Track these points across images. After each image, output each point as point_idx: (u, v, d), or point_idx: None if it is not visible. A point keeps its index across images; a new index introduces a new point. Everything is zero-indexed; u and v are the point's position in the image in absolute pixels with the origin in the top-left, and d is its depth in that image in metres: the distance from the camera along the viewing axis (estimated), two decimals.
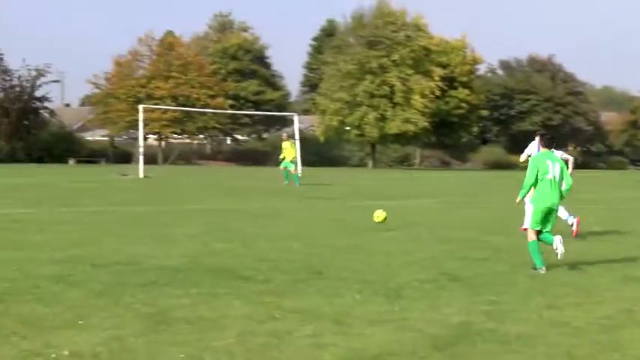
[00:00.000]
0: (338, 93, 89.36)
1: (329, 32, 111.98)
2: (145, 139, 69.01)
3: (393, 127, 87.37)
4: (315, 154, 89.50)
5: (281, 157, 41.93)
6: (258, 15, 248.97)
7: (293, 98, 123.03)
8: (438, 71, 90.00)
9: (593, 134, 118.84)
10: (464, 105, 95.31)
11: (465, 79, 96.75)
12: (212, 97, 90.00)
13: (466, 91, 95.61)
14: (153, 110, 79.75)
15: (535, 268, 13.04)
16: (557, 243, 13.20)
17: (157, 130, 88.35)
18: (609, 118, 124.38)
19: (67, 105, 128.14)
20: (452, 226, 20.41)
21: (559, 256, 13.17)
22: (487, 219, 22.71)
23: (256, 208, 25.61)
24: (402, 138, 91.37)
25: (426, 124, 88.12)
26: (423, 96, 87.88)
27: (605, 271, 13.33)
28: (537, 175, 13.38)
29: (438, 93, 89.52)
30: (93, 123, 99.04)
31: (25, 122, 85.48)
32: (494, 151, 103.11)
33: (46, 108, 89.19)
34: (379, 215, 19.23)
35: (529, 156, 17.59)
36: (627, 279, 12.60)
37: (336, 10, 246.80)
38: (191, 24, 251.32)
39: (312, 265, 13.12)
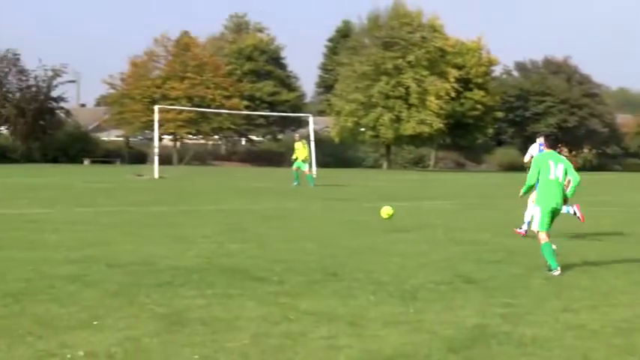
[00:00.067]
0: (353, 94, 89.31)
1: (344, 33, 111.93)
2: (160, 139, 69.12)
3: (408, 128, 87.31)
4: (330, 155, 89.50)
5: (293, 157, 41.97)
6: (273, 16, 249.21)
7: (308, 99, 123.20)
8: (454, 72, 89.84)
9: (608, 136, 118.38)
10: (479, 106, 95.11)
11: (480, 80, 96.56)
12: (227, 97, 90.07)
13: (481, 93, 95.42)
14: (168, 111, 79.87)
15: (550, 270, 13.01)
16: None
17: (172, 131, 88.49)
18: (625, 120, 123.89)
19: (83, 105, 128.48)
20: (467, 227, 20.37)
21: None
22: (502, 221, 22.63)
23: (271, 209, 25.61)
24: (416, 139, 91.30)
25: (441, 125, 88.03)
26: (439, 97, 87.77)
27: (620, 273, 13.27)
28: (539, 175, 13.52)
29: (453, 94, 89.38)
30: (108, 123, 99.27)
31: (41, 122, 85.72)
32: (509, 153, 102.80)
33: (61, 108, 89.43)
34: (386, 211, 19.25)
35: (532, 157, 17.82)
36: None
37: (352, 11, 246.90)
38: (207, 25, 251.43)
39: (326, 267, 13.11)
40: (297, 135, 44.76)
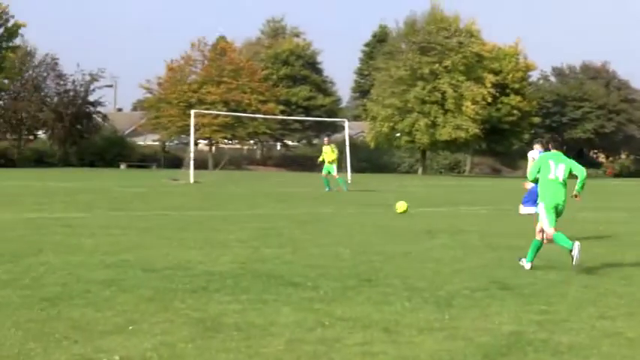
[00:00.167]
0: (389, 99, 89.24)
1: (381, 38, 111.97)
2: (196, 144, 69.50)
3: (444, 133, 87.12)
4: (365, 160, 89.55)
5: (320, 159, 41.95)
6: (310, 20, 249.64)
7: (344, 104, 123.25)
8: (490, 78, 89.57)
9: None
10: (515, 112, 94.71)
11: (517, 85, 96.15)
12: (263, 102, 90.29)
13: (518, 98, 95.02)
14: (204, 115, 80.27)
15: (525, 260, 14.00)
16: (576, 253, 13.53)
17: (207, 135, 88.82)
18: None
19: (120, 110, 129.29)
20: (502, 233, 20.25)
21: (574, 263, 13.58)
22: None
23: (305, 214, 25.61)
24: (452, 145, 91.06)
25: (477, 130, 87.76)
26: (475, 102, 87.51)
27: None
28: (539, 174, 14.05)
29: (489, 100, 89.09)
30: (144, 128, 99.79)
31: (79, 127, 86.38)
32: None
33: (99, 112, 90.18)
34: (401, 207, 19.37)
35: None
36: None
37: (389, 15, 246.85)
38: (244, 29, 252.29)
39: (361, 272, 13.08)
40: (327, 139, 44.80)
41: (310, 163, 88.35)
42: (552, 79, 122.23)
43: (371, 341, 8.50)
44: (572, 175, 14.20)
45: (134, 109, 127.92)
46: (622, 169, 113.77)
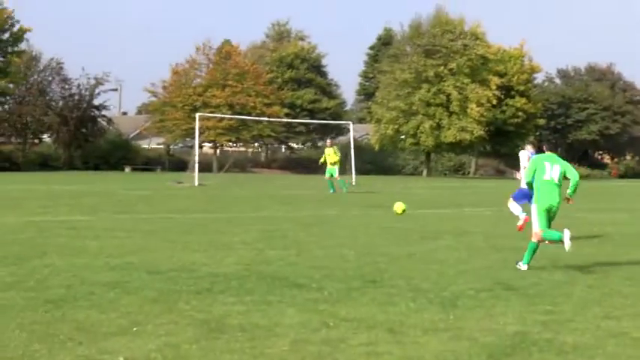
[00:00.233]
0: (394, 102, 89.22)
1: (385, 41, 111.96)
2: (201, 147, 69.57)
3: (449, 135, 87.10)
4: (370, 162, 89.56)
5: (321, 160, 42.04)
6: (315, 24, 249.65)
7: (348, 107, 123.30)
8: (495, 80, 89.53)
9: None
10: (520, 114, 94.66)
11: (522, 87, 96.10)
12: (268, 105, 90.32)
13: (523, 100, 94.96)
14: (209, 118, 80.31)
15: (522, 263, 14.08)
16: (566, 237, 13.74)
17: (212, 139, 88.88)
18: None
19: (125, 113, 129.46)
20: (507, 234, 20.22)
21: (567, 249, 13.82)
22: None
23: (310, 216, 25.61)
24: (457, 147, 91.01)
25: (481, 132, 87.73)
26: (480, 105, 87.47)
27: None
28: (535, 175, 14.18)
29: (494, 102, 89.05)
30: (149, 131, 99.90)
31: (83, 130, 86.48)
32: None
33: (103, 116, 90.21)
34: (400, 207, 19.45)
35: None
36: None
37: (394, 18, 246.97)
38: (248, 33, 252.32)
39: (365, 274, 13.08)
40: (329, 141, 44.89)
41: (315, 166, 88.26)
42: (557, 81, 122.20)
43: (375, 342, 8.50)
44: (565, 178, 14.29)
45: (139, 112, 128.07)
46: (627, 170, 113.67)
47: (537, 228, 14.13)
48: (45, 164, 79.83)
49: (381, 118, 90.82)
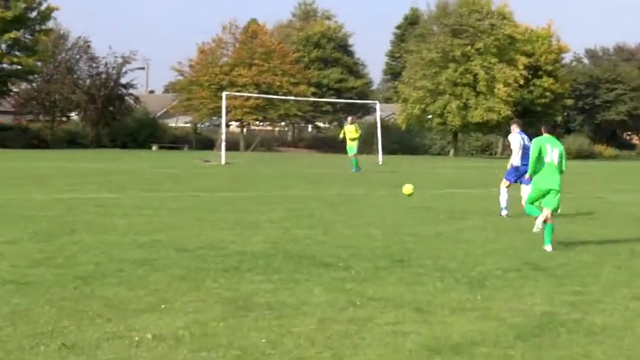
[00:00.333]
0: (420, 81, 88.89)
1: (412, 20, 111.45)
2: (228, 125, 69.58)
3: (476, 115, 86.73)
4: (397, 142, 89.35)
5: (341, 136, 42.03)
6: (341, 3, 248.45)
7: (375, 86, 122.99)
8: (523, 60, 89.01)
9: None
10: (548, 94, 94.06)
11: (549, 67, 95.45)
12: (294, 84, 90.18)
13: (550, 80, 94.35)
14: (235, 97, 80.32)
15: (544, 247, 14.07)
16: (539, 222, 14.11)
17: (239, 117, 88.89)
18: None
19: (152, 92, 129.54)
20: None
21: (534, 230, 14.20)
22: (570, 208, 22.37)
23: (337, 195, 25.61)
24: (484, 127, 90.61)
25: (509, 112, 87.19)
26: (507, 85, 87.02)
27: None
28: (539, 156, 14.34)
29: (521, 82, 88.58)
30: (176, 110, 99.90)
31: (111, 108, 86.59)
32: (578, 141, 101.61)
33: (131, 95, 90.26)
34: (408, 189, 19.50)
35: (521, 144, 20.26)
36: None
37: None
38: (275, 12, 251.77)
39: (393, 253, 13.08)
40: (350, 118, 44.77)
41: (341, 145, 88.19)
42: (585, 61, 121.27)
43: (403, 321, 8.50)
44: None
45: (166, 91, 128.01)
46: None
47: (525, 197, 14.89)
48: (73, 142, 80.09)
49: (408, 97, 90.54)
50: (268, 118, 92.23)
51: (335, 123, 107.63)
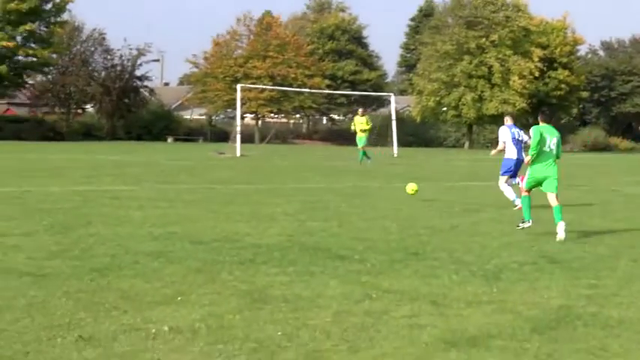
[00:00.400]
0: (435, 73, 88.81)
1: (427, 12, 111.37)
2: (242, 118, 69.60)
3: (491, 107, 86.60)
4: (412, 134, 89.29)
5: (352, 128, 41.89)
6: None
7: (389, 78, 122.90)
8: (538, 52, 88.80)
9: None
10: (563, 86, 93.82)
11: (564, 60, 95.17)
12: (309, 76, 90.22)
13: (566, 72, 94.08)
14: (250, 90, 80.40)
15: (522, 221, 15.09)
16: (560, 228, 14.31)
17: (254, 110, 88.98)
18: None
19: (167, 84, 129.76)
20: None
21: (558, 237, 14.19)
22: (585, 201, 22.32)
23: (352, 188, 25.60)
24: (499, 119, 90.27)
25: (524, 105, 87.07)
26: (522, 77, 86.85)
27: None
28: (539, 144, 14.68)
29: (536, 74, 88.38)
30: (191, 102, 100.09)
31: (126, 101, 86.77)
32: (593, 133, 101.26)
33: (145, 87, 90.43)
34: (412, 187, 19.59)
35: (505, 142, 20.82)
36: None
37: None
38: (289, 4, 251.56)
39: (408, 246, 13.07)
40: (361, 110, 44.65)
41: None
42: (601, 53, 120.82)
43: (418, 314, 8.49)
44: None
45: (181, 83, 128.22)
46: None
47: (524, 186, 15.30)
48: (88, 134, 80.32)
49: (423, 89, 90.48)
50: (283, 110, 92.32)
51: (350, 115, 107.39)
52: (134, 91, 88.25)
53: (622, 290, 9.99)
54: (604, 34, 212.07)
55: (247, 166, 37.87)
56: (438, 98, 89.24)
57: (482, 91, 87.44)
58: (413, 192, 19.66)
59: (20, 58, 76.08)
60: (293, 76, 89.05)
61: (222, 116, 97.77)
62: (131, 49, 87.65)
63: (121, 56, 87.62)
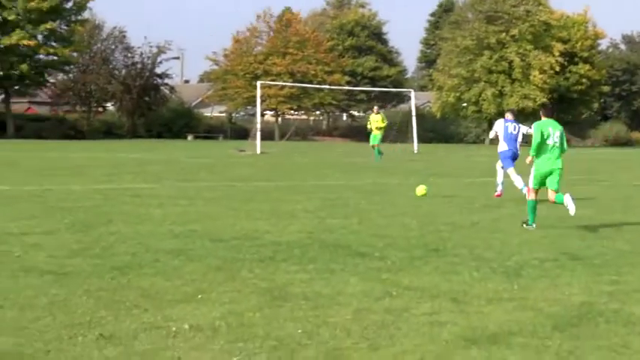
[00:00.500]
0: (455, 69, 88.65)
1: (447, 7, 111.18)
2: (262, 115, 69.70)
3: (511, 103, 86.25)
4: (432, 130, 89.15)
5: (368, 127, 41.80)
6: None
7: (409, 74, 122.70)
8: (558, 46, 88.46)
9: None
10: (584, 81, 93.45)
11: (585, 54, 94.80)
12: (329, 73, 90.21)
13: (587, 67, 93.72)
14: (270, 87, 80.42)
15: (527, 224, 14.99)
16: (568, 200, 14.49)
17: (273, 107, 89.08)
18: None
19: (187, 81, 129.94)
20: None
21: (571, 213, 14.48)
22: (607, 197, 22.22)
23: (371, 185, 25.58)
24: (520, 114, 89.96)
25: (544, 100, 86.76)
26: (542, 72, 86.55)
27: None
28: (542, 138, 14.74)
29: (557, 68, 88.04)
30: (211, 99, 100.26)
31: (146, 99, 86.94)
32: (615, 128, 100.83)
33: (166, 84, 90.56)
34: (421, 190, 19.82)
35: (497, 133, 21.18)
36: None
37: None
38: (309, 0, 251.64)
39: (428, 243, 13.04)
40: (376, 107, 44.57)
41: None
42: (622, 47, 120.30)
43: (439, 311, 8.47)
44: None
45: (201, 80, 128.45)
46: None
47: (531, 185, 15.09)
48: (109, 132, 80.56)
49: (443, 85, 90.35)
50: (303, 107, 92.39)
51: (369, 112, 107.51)
52: (154, 88, 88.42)
53: None
54: (625, 28, 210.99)
55: (267, 163, 37.90)
56: (458, 94, 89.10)
57: (502, 87, 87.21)
58: (422, 194, 19.78)
59: (41, 56, 76.30)
60: (313, 72, 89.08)
61: (242, 113, 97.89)
62: (151, 46, 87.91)
63: (142, 54, 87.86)
